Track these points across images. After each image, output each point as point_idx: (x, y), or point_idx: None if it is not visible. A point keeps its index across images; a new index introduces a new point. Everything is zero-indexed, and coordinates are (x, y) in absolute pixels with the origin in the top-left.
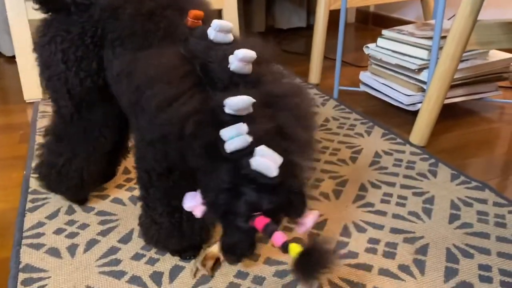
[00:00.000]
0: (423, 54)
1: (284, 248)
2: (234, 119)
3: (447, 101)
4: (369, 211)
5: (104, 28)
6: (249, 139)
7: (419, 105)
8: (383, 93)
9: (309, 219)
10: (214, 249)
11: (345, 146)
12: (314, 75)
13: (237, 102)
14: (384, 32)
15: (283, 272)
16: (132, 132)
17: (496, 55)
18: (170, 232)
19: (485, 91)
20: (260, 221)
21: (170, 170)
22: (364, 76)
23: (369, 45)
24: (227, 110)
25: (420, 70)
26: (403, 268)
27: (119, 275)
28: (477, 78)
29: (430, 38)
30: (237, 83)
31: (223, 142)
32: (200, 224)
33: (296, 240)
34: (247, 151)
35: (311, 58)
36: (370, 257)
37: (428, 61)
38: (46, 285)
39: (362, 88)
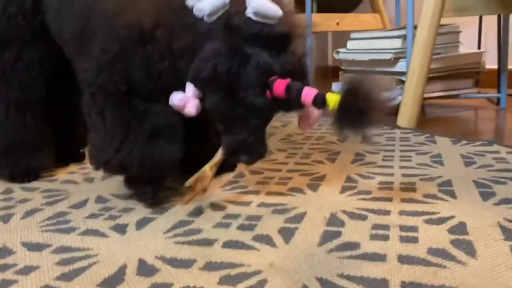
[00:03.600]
0: (397, 43)
1: (320, 101)
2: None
3: (426, 95)
4: (374, 166)
5: None
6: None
7: (400, 97)
8: None
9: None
10: (206, 168)
11: (325, 140)
12: None
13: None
14: (353, 34)
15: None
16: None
17: (467, 50)
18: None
19: (460, 88)
20: (279, 85)
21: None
22: (337, 86)
23: (339, 49)
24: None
25: (395, 60)
26: (431, 196)
27: (68, 230)
28: (451, 72)
29: (401, 28)
30: None
31: (201, 17)
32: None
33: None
34: (234, 11)
35: None
36: (387, 191)
37: (402, 49)
38: None
39: None
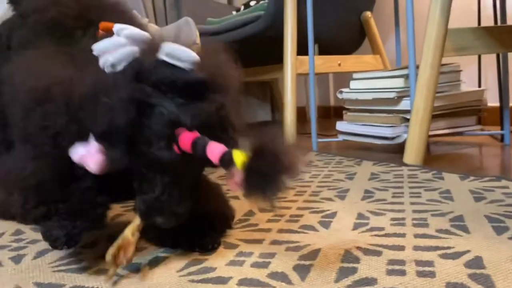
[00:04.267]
0: (399, 82)
1: (226, 160)
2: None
3: (430, 133)
4: (384, 203)
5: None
6: (135, 48)
7: (405, 135)
8: (364, 135)
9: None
10: (127, 234)
11: (333, 177)
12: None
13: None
14: (355, 75)
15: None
16: None
17: (469, 88)
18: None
19: (464, 125)
20: (185, 138)
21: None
22: (341, 125)
23: (342, 89)
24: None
25: (399, 98)
26: (444, 231)
27: (80, 270)
28: (454, 110)
29: (403, 68)
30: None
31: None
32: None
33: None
34: (146, 56)
35: (284, 122)
36: (399, 227)
37: (405, 88)
38: None
39: (341, 137)
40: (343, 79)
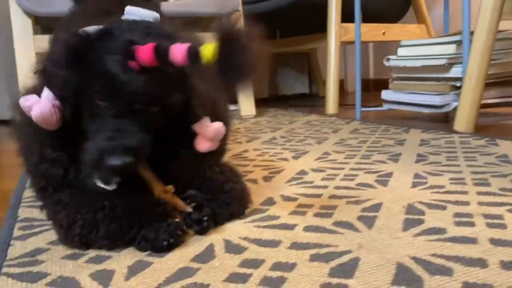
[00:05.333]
0: (450, 49)
1: (193, 56)
2: None
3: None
4: (440, 165)
5: None
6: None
7: (455, 103)
8: (411, 104)
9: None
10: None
11: (384, 139)
12: (332, 104)
13: None
14: (403, 41)
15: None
16: None
17: None
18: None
19: None
20: (145, 48)
21: None
22: (387, 93)
23: (389, 56)
24: None
25: (449, 65)
26: (508, 189)
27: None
28: (507, 79)
29: (454, 34)
30: None
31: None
32: None
33: None
34: None
35: (326, 90)
36: (461, 186)
37: (457, 54)
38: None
39: (386, 106)
40: (384, 51)
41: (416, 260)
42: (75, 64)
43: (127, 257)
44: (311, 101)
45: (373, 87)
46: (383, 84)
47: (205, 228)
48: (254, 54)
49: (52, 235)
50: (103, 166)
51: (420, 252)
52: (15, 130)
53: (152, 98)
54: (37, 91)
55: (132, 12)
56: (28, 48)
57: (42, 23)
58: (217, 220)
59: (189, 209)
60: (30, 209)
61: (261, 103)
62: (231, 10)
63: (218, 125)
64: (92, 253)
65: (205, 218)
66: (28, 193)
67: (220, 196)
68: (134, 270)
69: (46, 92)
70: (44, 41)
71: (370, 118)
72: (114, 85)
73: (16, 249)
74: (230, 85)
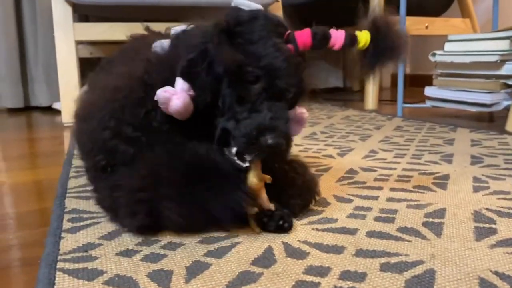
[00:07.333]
0: (504, 45)
1: (352, 41)
2: None
3: None
4: (499, 169)
5: None
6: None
7: (506, 103)
8: (457, 102)
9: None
10: (252, 181)
11: (432, 139)
12: (371, 100)
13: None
14: (451, 36)
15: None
16: None
17: None
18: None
19: None
20: (302, 33)
21: None
22: (431, 90)
23: (435, 51)
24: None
25: (502, 62)
26: None
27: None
28: None
29: (508, 29)
30: None
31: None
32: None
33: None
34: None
35: (366, 84)
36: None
37: (510, 51)
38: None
39: (429, 103)
40: (422, 45)
41: (499, 275)
42: (228, 44)
43: (183, 256)
44: (345, 95)
45: (409, 82)
46: (420, 80)
47: (285, 229)
48: (403, 37)
49: (102, 229)
50: (259, 142)
51: (501, 266)
52: (82, 110)
53: (299, 83)
54: (162, 82)
55: (241, 3)
56: (68, 36)
57: (79, 11)
58: (294, 211)
59: (272, 207)
60: (77, 200)
61: None
62: (271, 1)
63: (305, 110)
64: (146, 250)
65: (286, 225)
66: (73, 183)
67: (291, 188)
68: (192, 271)
69: (181, 84)
70: (83, 29)
71: (410, 115)
72: (273, 68)
73: (68, 242)
74: (381, 66)
